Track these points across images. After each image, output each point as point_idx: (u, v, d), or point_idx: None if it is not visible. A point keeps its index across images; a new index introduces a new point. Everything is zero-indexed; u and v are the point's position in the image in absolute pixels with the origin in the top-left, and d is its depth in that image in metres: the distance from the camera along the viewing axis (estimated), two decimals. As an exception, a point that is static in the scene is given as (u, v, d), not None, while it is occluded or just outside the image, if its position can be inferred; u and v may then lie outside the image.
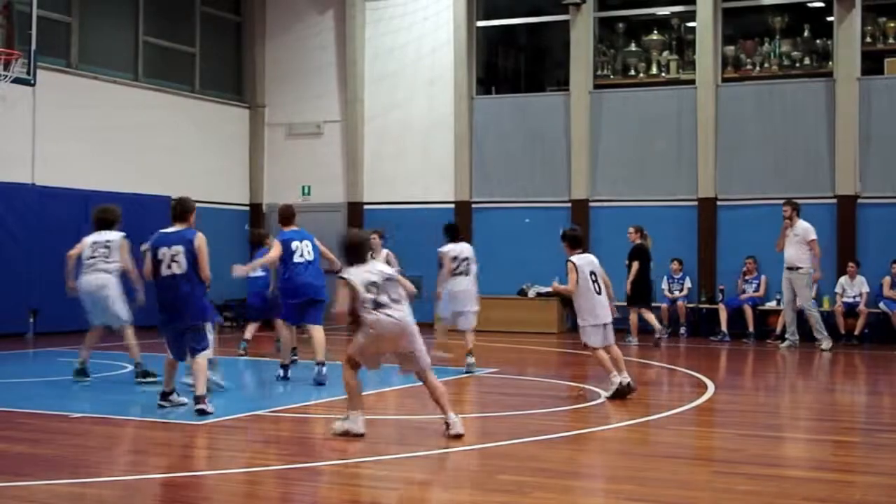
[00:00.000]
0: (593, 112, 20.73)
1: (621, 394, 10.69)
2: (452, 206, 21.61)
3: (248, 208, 23.39)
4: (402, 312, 8.55)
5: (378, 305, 8.45)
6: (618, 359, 10.95)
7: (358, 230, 9.30)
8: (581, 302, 10.95)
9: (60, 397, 11.02)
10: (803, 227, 16.90)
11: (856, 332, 17.83)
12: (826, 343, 16.70)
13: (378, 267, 8.81)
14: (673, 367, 14.57)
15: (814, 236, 16.82)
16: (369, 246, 9.59)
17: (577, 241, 11.24)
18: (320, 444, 8.71)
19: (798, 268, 16.83)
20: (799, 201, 17.33)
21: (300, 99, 23.19)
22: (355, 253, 8.72)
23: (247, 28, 23.53)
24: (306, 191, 23.08)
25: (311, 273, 12.11)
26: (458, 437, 8.42)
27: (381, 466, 7.56)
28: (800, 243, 16.82)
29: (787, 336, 17.07)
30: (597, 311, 10.92)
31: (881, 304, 18.09)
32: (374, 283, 8.50)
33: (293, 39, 23.26)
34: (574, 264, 10.95)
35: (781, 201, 17.40)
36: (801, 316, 17.14)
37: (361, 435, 8.49)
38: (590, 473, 7.54)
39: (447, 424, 8.55)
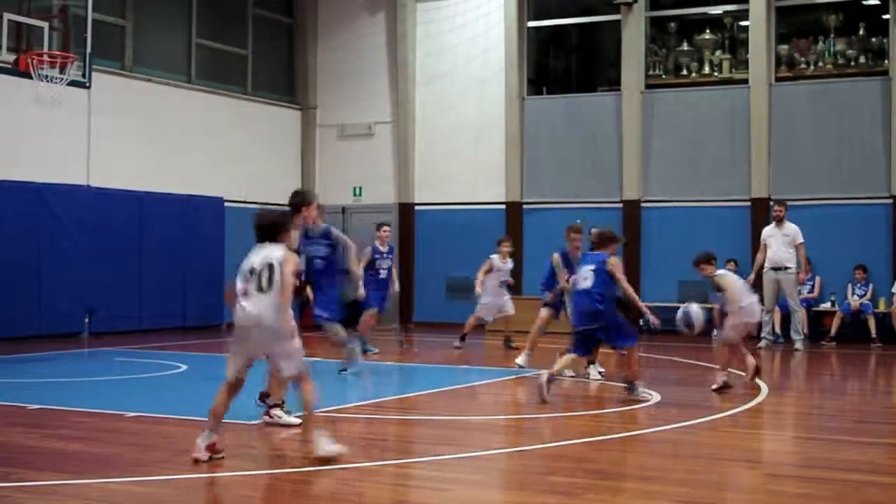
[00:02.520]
0: (645, 112, 20.63)
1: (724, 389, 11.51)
2: (503, 206, 21.61)
3: (299, 209, 23.48)
4: (262, 305, 7.61)
5: (244, 294, 7.69)
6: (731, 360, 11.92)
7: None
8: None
9: (116, 396, 11.13)
10: (793, 228, 17.04)
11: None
12: (800, 343, 16.88)
13: (265, 252, 7.78)
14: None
15: (802, 239, 16.95)
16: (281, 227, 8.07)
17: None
18: (371, 445, 8.74)
19: (787, 268, 16.92)
20: (854, 201, 17.10)
21: (352, 100, 23.26)
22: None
23: (299, 30, 23.66)
24: (357, 192, 23.16)
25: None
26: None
27: (432, 467, 7.57)
28: (788, 244, 16.93)
29: (763, 336, 17.09)
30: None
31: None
32: (251, 271, 7.73)
33: (345, 41, 23.34)
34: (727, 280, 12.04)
35: (837, 202, 17.23)
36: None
37: None
38: (641, 475, 7.50)
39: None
